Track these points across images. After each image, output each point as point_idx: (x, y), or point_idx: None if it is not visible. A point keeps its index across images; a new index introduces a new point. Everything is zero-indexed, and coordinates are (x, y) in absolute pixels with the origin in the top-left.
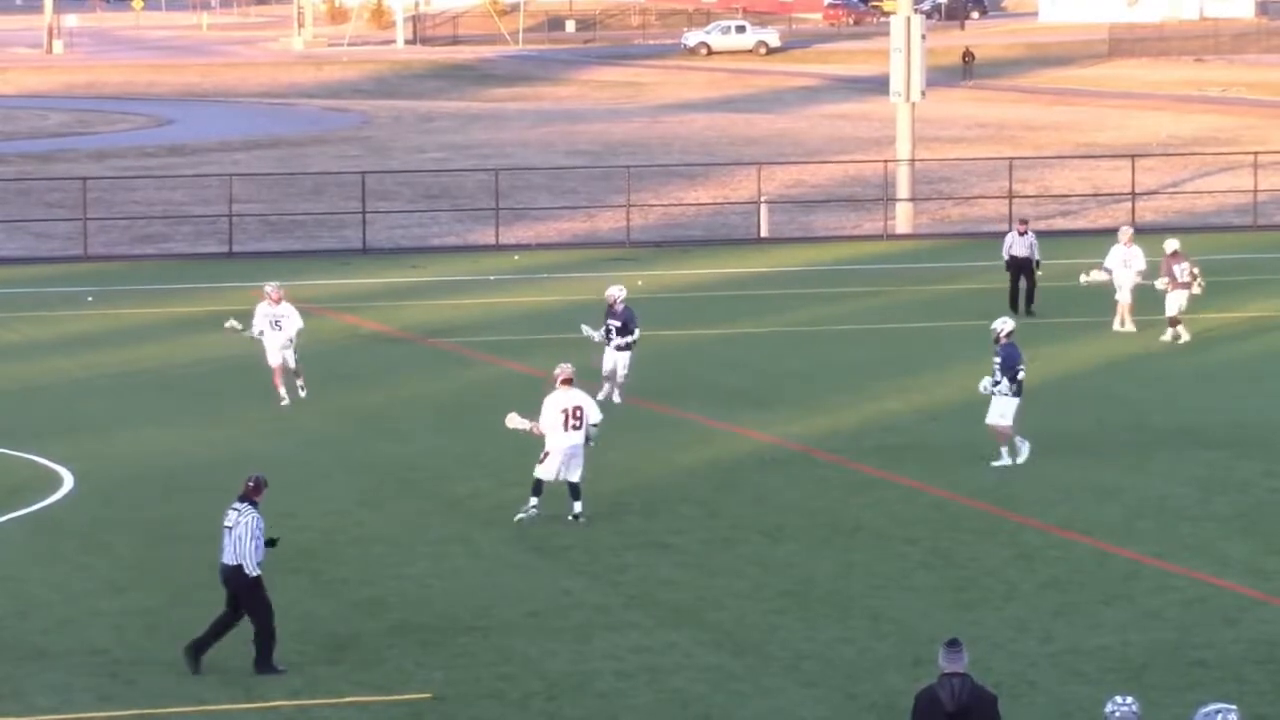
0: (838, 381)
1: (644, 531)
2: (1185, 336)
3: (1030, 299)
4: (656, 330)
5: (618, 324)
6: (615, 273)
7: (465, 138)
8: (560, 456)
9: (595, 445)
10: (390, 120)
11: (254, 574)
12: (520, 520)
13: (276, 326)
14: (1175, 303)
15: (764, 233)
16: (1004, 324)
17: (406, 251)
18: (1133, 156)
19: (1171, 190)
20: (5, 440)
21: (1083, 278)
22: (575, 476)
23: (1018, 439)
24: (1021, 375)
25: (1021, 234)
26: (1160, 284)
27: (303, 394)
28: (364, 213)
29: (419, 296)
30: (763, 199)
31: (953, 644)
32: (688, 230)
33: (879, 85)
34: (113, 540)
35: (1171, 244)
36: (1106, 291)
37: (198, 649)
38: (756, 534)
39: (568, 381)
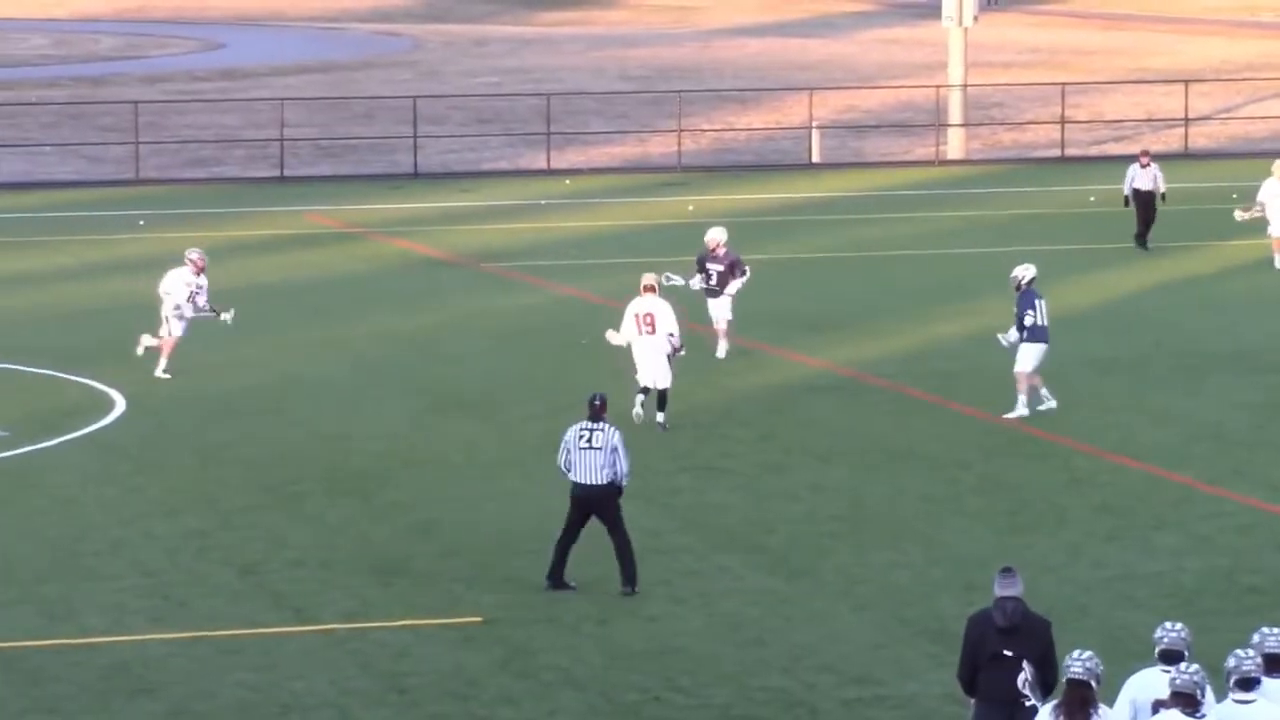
0: (889, 306)
1: (696, 455)
2: None
3: (1148, 233)
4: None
5: (720, 268)
6: (668, 198)
7: (517, 61)
8: (640, 361)
9: (680, 356)
10: (441, 44)
11: (624, 486)
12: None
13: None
14: None
15: (815, 158)
16: (1025, 271)
17: (458, 176)
18: (1186, 82)
19: (1225, 116)
20: (58, 363)
21: (1238, 214)
22: (659, 383)
23: (1043, 390)
24: (1029, 322)
25: (1144, 166)
26: None
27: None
28: (415, 137)
29: (470, 221)
30: (814, 124)
31: (1006, 571)
32: (739, 155)
33: (932, 9)
34: (165, 462)
35: None
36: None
37: (556, 578)
38: (808, 458)
39: (650, 289)
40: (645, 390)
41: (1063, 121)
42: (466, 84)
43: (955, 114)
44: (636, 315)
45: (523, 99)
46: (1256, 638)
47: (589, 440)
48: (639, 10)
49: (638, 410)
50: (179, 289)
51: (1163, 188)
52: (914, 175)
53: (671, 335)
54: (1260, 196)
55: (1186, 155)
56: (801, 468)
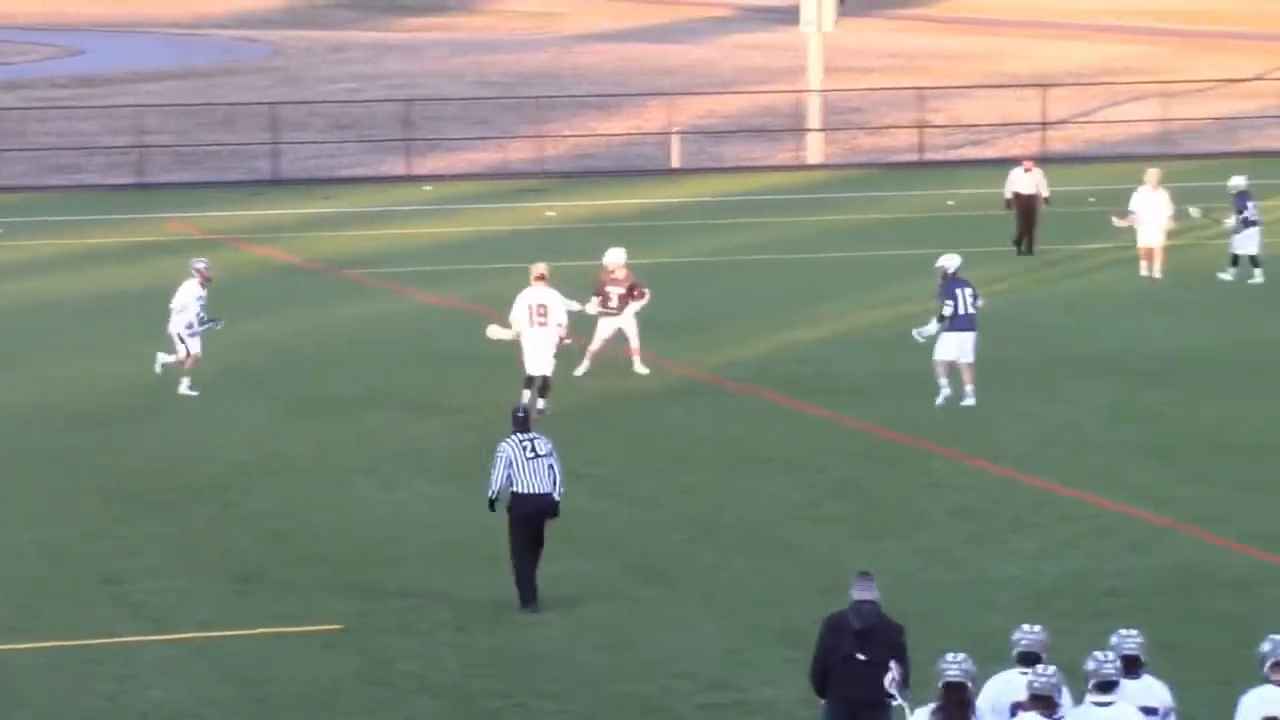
0: (749, 312)
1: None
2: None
3: (1031, 239)
4: (569, 261)
5: (621, 291)
6: (528, 203)
7: (377, 68)
8: (530, 351)
9: (565, 345)
10: (302, 50)
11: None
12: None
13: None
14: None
15: (675, 163)
16: (949, 261)
17: (318, 182)
18: (1043, 86)
19: (1082, 120)
20: None
21: (1115, 220)
22: (546, 371)
23: (942, 379)
24: (948, 311)
25: (1027, 170)
26: (1230, 223)
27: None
28: (275, 143)
29: (331, 227)
30: (674, 129)
31: (864, 574)
32: (600, 161)
33: (790, 15)
34: (22, 472)
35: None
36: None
37: (529, 600)
38: (670, 463)
39: (541, 279)
40: (531, 381)
41: (921, 126)
42: (327, 90)
43: (814, 119)
44: (530, 306)
45: (383, 105)
46: (1114, 640)
47: (533, 449)
48: (500, 16)
49: (527, 403)
50: (193, 304)
51: (1045, 192)
52: (773, 180)
53: (560, 325)
54: (1132, 205)
55: (1044, 159)
56: (663, 473)
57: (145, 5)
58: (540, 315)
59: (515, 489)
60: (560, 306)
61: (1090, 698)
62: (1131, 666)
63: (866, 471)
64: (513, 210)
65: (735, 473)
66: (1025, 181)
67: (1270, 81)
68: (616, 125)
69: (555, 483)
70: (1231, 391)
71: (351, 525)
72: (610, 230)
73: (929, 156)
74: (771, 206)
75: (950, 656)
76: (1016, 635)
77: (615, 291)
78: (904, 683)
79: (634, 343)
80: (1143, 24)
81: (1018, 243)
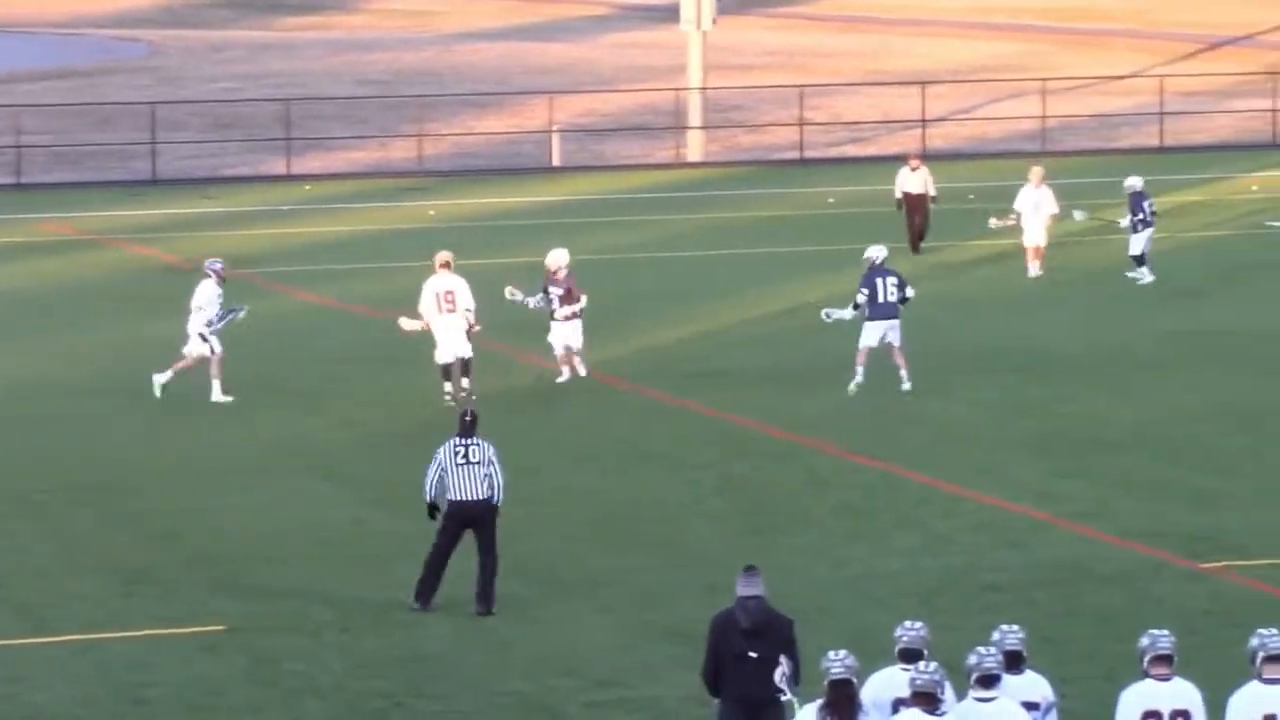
0: (631, 309)
1: None
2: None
3: (921, 237)
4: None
5: (560, 292)
6: (409, 202)
7: (257, 67)
8: (441, 338)
9: (475, 332)
10: (180, 50)
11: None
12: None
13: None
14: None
15: (556, 161)
16: (875, 251)
17: (198, 182)
18: (922, 83)
19: (961, 117)
20: None
21: (992, 221)
22: (462, 353)
23: (860, 367)
24: (861, 300)
25: (914, 169)
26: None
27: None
28: (154, 143)
29: (211, 227)
30: (555, 127)
31: (749, 570)
32: (480, 159)
33: (670, 13)
34: None
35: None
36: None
37: (425, 598)
38: (554, 462)
39: (445, 265)
40: (447, 370)
41: (801, 124)
42: (206, 89)
43: (695, 117)
44: (437, 293)
45: (262, 104)
46: (997, 635)
47: (466, 455)
48: (378, 15)
49: (450, 389)
50: (212, 303)
51: (933, 190)
52: (654, 178)
53: (469, 311)
54: (1016, 205)
55: (923, 156)
56: (548, 471)
57: (22, 5)
58: (448, 301)
59: (448, 494)
60: (466, 292)
61: (973, 693)
62: (1013, 661)
63: (751, 469)
64: (393, 209)
65: (620, 470)
66: (913, 180)
67: (1148, 78)
68: (497, 124)
69: (492, 489)
70: (1112, 388)
71: (236, 526)
72: (492, 229)
73: (809, 154)
74: (652, 205)
75: (833, 654)
76: (899, 632)
77: (555, 292)
78: (794, 678)
79: (575, 344)
80: (1021, 21)
81: (913, 242)
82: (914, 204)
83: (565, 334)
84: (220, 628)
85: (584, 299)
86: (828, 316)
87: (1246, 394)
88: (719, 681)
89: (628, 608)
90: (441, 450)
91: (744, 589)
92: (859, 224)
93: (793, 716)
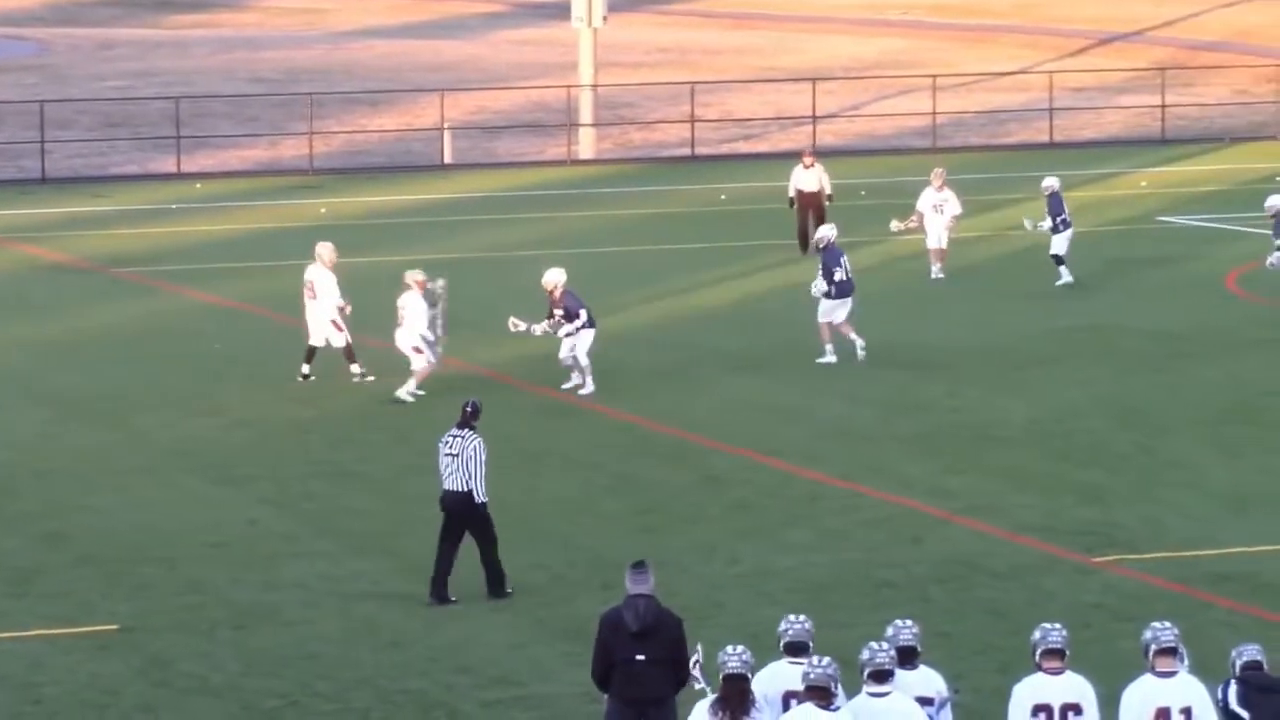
0: (524, 307)
1: (331, 459)
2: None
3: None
4: (342, 258)
5: (560, 311)
6: (300, 200)
7: (146, 65)
8: (310, 323)
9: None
10: (68, 48)
11: (483, 500)
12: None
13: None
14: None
15: (448, 159)
16: (829, 231)
17: (87, 180)
18: (813, 80)
19: (852, 113)
20: None
21: (894, 224)
22: (334, 342)
23: (829, 344)
24: (839, 277)
25: (808, 167)
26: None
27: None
28: (42, 142)
29: (101, 226)
30: (446, 125)
31: (638, 566)
32: (372, 157)
33: (562, 10)
34: None
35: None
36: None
37: (439, 591)
38: None
39: (317, 258)
40: (311, 351)
41: (693, 120)
42: (94, 88)
43: (586, 114)
44: (304, 282)
45: (152, 102)
46: (890, 630)
47: (450, 447)
48: (269, 12)
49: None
50: (420, 315)
51: (829, 188)
52: (546, 175)
53: (334, 302)
54: (918, 205)
55: (814, 153)
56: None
57: None
58: (310, 292)
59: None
60: (330, 284)
61: (866, 688)
62: (907, 657)
63: (644, 467)
64: (284, 207)
65: (513, 469)
66: (808, 178)
67: (1037, 74)
68: (388, 121)
69: (467, 482)
70: (1003, 384)
71: (126, 526)
72: (383, 227)
73: (701, 151)
74: (544, 202)
75: (729, 649)
76: (783, 626)
77: (557, 312)
78: (677, 679)
79: (581, 363)
80: (911, 18)
81: (803, 240)
82: (808, 202)
83: (574, 346)
84: (113, 627)
85: (583, 314)
86: (818, 291)
87: (1136, 389)
88: (608, 680)
89: (522, 606)
90: (439, 441)
91: (633, 587)
92: (751, 221)
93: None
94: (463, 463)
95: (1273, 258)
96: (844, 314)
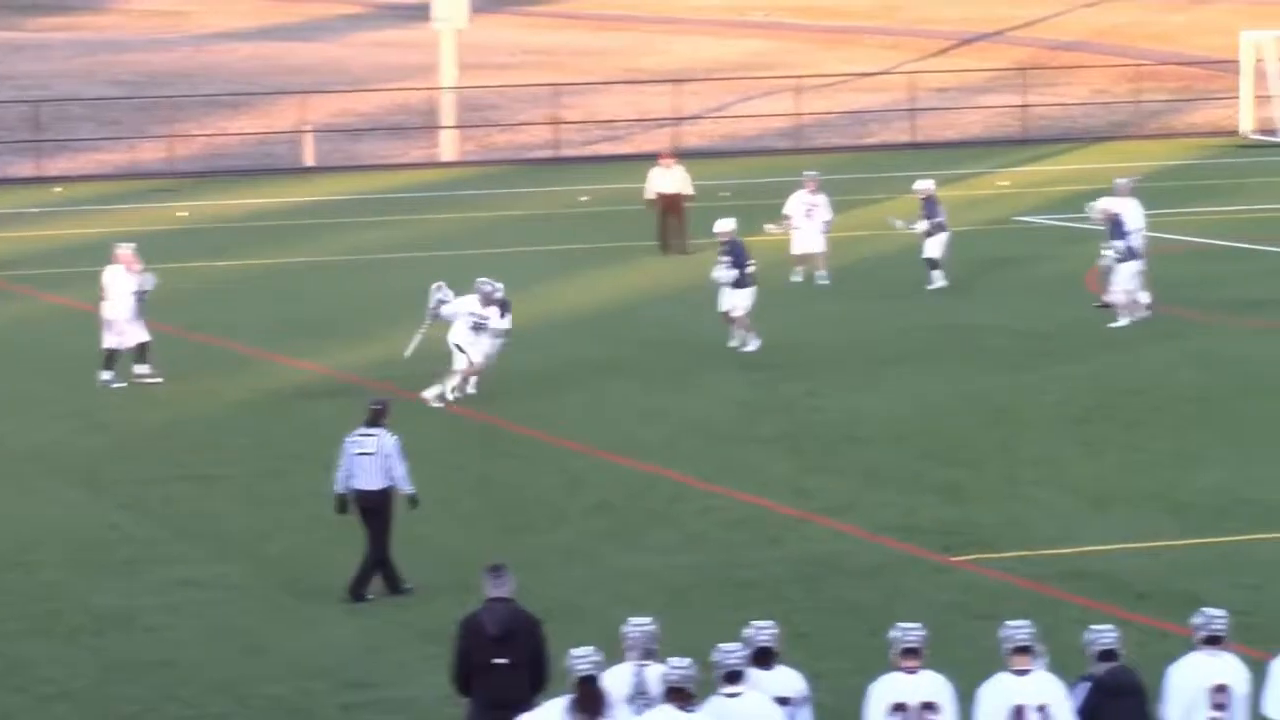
0: (387, 310)
1: (191, 463)
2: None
3: (681, 237)
4: (204, 262)
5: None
6: (160, 204)
7: (6, 68)
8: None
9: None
10: None
11: (411, 491)
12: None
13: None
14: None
15: (309, 161)
16: (727, 224)
17: None
18: (676, 81)
19: (715, 115)
20: None
21: (768, 228)
22: (140, 338)
23: (750, 334)
24: (751, 269)
25: (667, 168)
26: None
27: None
28: None
29: None
30: (307, 127)
31: (496, 569)
32: (233, 160)
33: (424, 11)
34: None
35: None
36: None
37: (393, 584)
38: (307, 464)
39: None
40: (113, 356)
41: (556, 122)
42: None
43: (448, 116)
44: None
45: (10, 106)
46: (749, 631)
47: (363, 446)
48: (129, 15)
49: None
50: (463, 316)
51: (689, 189)
52: (409, 178)
53: (129, 301)
54: (790, 209)
55: (676, 154)
56: (299, 473)
57: None
58: (104, 293)
59: (351, 483)
60: (126, 285)
61: (720, 689)
62: (765, 658)
63: (505, 468)
64: (144, 211)
65: None
66: (666, 180)
67: (898, 75)
68: (249, 124)
69: (389, 481)
70: (863, 383)
71: None
72: (245, 230)
73: (564, 153)
74: (407, 204)
75: (578, 651)
76: (626, 628)
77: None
78: (535, 682)
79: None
80: (774, 19)
81: (662, 242)
82: (668, 203)
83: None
84: None
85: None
86: (722, 280)
87: (996, 387)
88: (468, 684)
89: (381, 609)
90: (348, 441)
91: (492, 590)
92: (614, 222)
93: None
94: (380, 460)
95: (1106, 259)
96: (749, 303)
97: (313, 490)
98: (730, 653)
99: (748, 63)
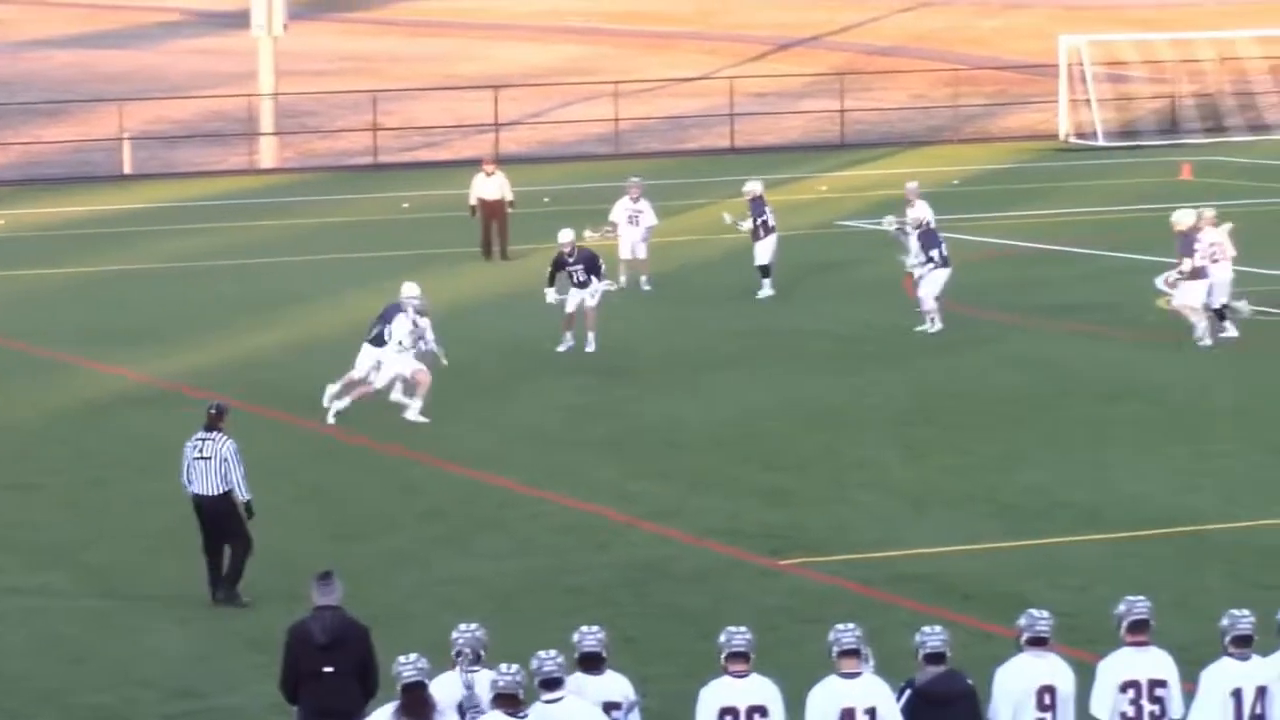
0: (209, 317)
1: (12, 472)
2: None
3: (503, 243)
4: (21, 270)
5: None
6: None
7: None
8: None
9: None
10: None
11: (247, 498)
12: None
13: None
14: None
15: (128, 169)
16: (563, 234)
17: None
18: (495, 87)
19: (534, 121)
20: None
21: (588, 233)
22: None
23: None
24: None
25: (489, 175)
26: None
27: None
28: None
29: None
30: (126, 135)
31: (324, 576)
32: (49, 168)
33: (242, 19)
34: None
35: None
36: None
37: (215, 590)
38: (129, 472)
39: None
40: None
41: (375, 129)
42: None
43: (267, 123)
44: None
45: None
46: (576, 637)
47: (200, 450)
48: None
49: None
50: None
51: (510, 195)
52: (228, 185)
53: None
54: (613, 215)
55: (495, 160)
56: (120, 481)
57: None
58: None
59: (190, 487)
60: None
61: (541, 696)
62: (594, 662)
63: (333, 476)
64: None
65: None
66: (489, 186)
67: (717, 80)
68: (66, 132)
69: (227, 485)
70: (688, 388)
71: None
72: (63, 238)
73: (383, 159)
74: (226, 211)
75: (403, 658)
76: (454, 634)
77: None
78: (365, 690)
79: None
80: (592, 25)
81: (486, 248)
82: (490, 210)
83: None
84: None
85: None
86: (610, 287)
87: (820, 391)
88: (297, 692)
89: (207, 617)
90: (187, 446)
91: (320, 598)
92: (434, 229)
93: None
94: (217, 465)
95: (891, 224)
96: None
97: (134, 498)
98: (547, 659)
99: (566, 68)
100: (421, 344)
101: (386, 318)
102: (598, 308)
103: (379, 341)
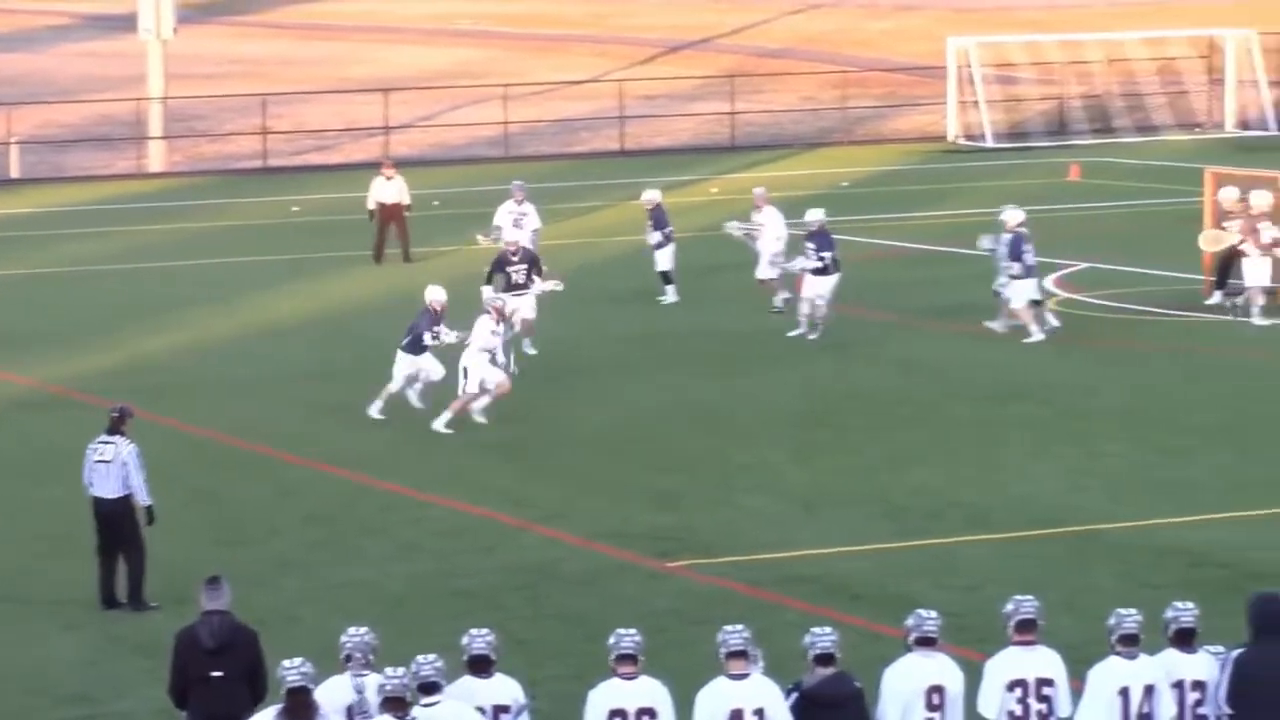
0: (97, 321)
1: None
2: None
3: (405, 246)
4: None
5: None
6: None
7: None
8: None
9: None
10: None
11: (148, 503)
12: None
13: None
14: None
15: (15, 174)
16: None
17: None
18: (385, 90)
19: (424, 124)
20: None
21: (479, 238)
22: None
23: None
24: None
25: (389, 178)
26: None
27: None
28: None
29: None
30: (13, 139)
31: (213, 581)
32: None
33: (129, 22)
34: None
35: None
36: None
37: (107, 597)
38: (18, 477)
39: None
40: None
41: (264, 132)
42: None
43: (156, 126)
44: None
45: None
46: (465, 640)
47: (101, 454)
48: None
49: None
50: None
51: (407, 199)
52: (116, 189)
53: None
54: (498, 219)
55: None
56: (10, 486)
57: None
58: None
59: (91, 490)
60: None
61: (420, 700)
62: (482, 665)
63: (218, 480)
64: None
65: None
66: (388, 190)
67: (606, 83)
68: None
69: (125, 489)
70: (575, 391)
71: None
72: None
73: (273, 163)
74: (115, 215)
75: (288, 662)
76: (343, 639)
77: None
78: (255, 694)
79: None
80: (482, 28)
81: (378, 252)
82: (389, 214)
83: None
84: None
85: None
86: (554, 287)
87: (708, 394)
88: (185, 698)
89: (95, 622)
90: (88, 448)
91: (208, 603)
92: (324, 232)
93: None
94: (118, 468)
95: (736, 229)
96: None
97: (24, 503)
98: (425, 664)
99: (456, 71)
100: (435, 341)
101: (418, 325)
102: (534, 318)
103: (415, 349)
